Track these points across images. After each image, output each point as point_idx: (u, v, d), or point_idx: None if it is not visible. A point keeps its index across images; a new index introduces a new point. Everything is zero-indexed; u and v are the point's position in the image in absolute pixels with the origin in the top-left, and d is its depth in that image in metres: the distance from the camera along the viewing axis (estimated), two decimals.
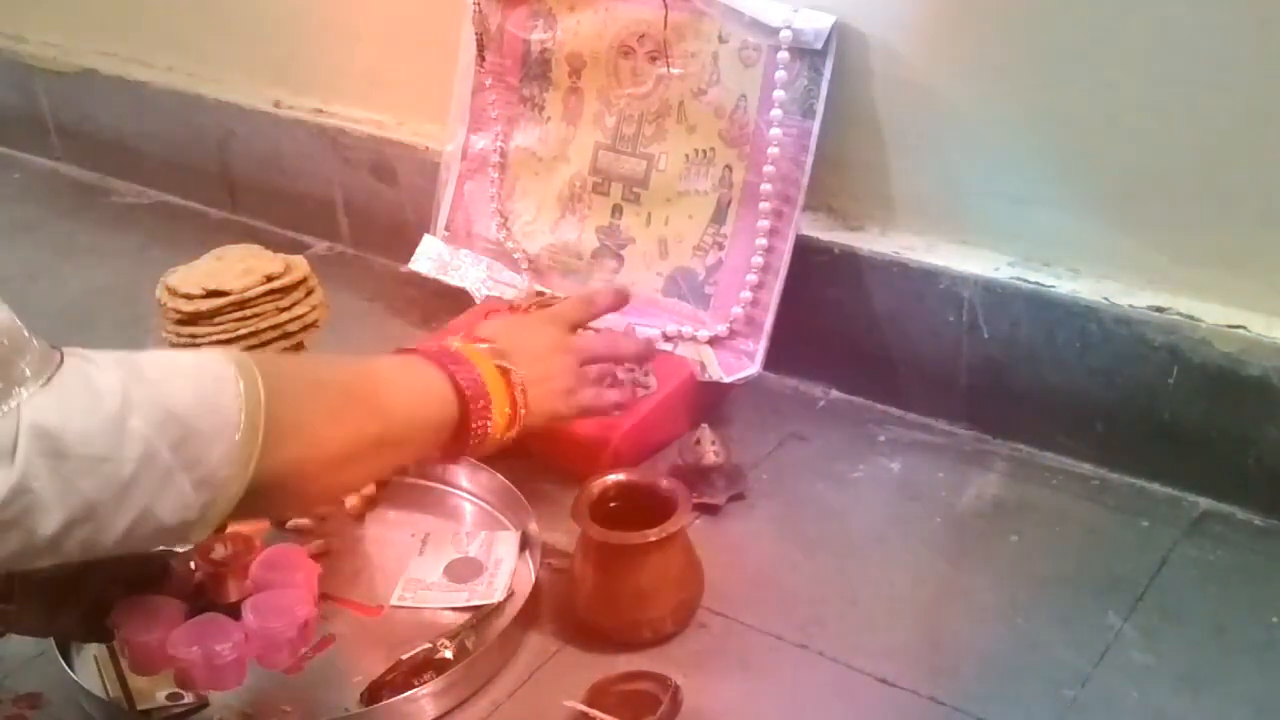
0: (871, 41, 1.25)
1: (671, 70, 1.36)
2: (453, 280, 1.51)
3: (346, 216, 1.74)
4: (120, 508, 0.80)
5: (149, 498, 0.81)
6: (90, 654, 1.07)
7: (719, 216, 1.34)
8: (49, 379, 0.78)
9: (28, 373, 0.77)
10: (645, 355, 1.24)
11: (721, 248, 1.34)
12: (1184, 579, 1.10)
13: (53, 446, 0.77)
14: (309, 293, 1.29)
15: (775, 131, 1.28)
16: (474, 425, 1.01)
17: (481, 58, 1.48)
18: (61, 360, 0.80)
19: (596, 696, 0.98)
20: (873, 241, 1.31)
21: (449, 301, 1.50)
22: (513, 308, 1.37)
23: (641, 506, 1.07)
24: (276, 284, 1.25)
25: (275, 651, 0.98)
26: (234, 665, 0.96)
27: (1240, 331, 1.13)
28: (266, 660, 0.98)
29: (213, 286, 1.24)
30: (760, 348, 1.31)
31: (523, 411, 1.05)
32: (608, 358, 1.18)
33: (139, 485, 0.80)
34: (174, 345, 1.25)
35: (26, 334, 0.79)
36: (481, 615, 1.09)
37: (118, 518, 0.80)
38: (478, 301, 1.47)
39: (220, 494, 0.84)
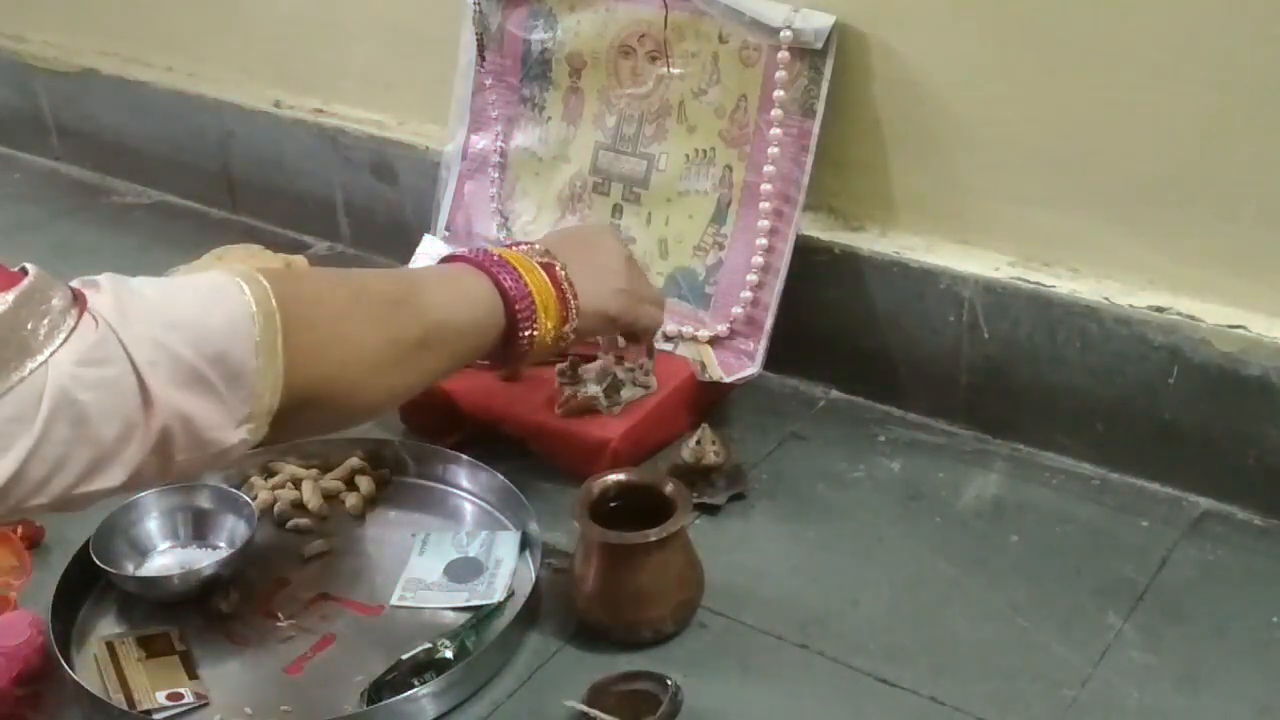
0: (871, 41, 1.25)
1: (671, 70, 1.36)
2: None
3: (346, 216, 1.73)
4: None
5: (181, 412, 0.81)
6: (90, 654, 1.08)
7: (719, 216, 1.34)
8: (70, 332, 0.78)
9: (52, 328, 0.78)
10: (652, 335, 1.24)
11: (722, 248, 1.34)
12: (1184, 579, 1.10)
13: (73, 409, 0.77)
14: None
15: (775, 131, 1.28)
16: (521, 326, 1.03)
17: (481, 58, 1.48)
18: (80, 307, 0.80)
19: (596, 696, 0.98)
20: (873, 241, 1.31)
21: None
22: None
23: (641, 506, 1.07)
24: None
25: None
26: None
27: (1240, 331, 1.13)
28: None
29: None
30: (760, 348, 1.31)
31: (575, 303, 1.06)
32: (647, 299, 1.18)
33: (161, 404, 0.80)
34: None
35: (51, 290, 0.79)
36: (481, 615, 1.08)
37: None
38: None
39: (257, 384, 0.84)
